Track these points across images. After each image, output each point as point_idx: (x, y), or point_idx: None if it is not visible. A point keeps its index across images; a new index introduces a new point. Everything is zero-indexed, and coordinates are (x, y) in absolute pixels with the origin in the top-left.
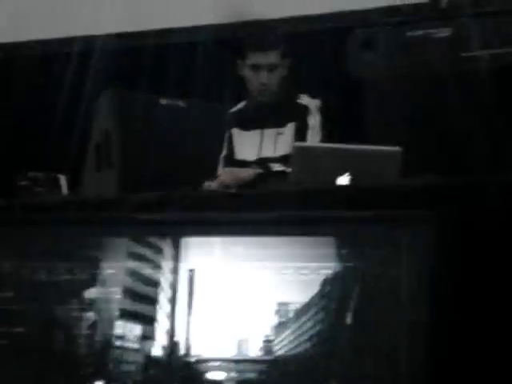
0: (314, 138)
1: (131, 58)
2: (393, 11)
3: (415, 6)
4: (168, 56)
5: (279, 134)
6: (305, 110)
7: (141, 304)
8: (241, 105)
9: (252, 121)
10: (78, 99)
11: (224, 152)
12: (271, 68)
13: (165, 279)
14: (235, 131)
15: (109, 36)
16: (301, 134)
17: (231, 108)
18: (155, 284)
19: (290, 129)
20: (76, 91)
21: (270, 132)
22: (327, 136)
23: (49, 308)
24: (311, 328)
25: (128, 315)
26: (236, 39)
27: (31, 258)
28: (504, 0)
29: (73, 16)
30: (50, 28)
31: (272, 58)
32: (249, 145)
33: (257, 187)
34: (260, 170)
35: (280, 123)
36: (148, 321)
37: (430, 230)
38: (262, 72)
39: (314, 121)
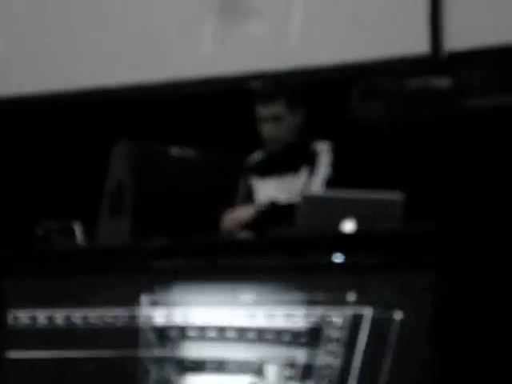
0: (321, 173)
1: (144, 109)
2: (394, 62)
3: (416, 57)
4: (180, 106)
5: (294, 179)
6: (315, 152)
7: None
8: (258, 154)
9: (268, 169)
10: (93, 149)
11: (241, 200)
12: (276, 119)
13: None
14: (253, 180)
15: (121, 87)
16: (311, 174)
17: (243, 157)
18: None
19: (303, 173)
20: (91, 142)
21: (284, 179)
22: (338, 178)
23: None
24: (319, 372)
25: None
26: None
27: (48, 306)
28: (503, 49)
29: (85, 67)
30: (66, 79)
31: (274, 109)
32: (266, 191)
33: (263, 228)
34: (262, 208)
35: (294, 169)
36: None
37: (432, 276)
38: (267, 124)
39: (323, 160)
